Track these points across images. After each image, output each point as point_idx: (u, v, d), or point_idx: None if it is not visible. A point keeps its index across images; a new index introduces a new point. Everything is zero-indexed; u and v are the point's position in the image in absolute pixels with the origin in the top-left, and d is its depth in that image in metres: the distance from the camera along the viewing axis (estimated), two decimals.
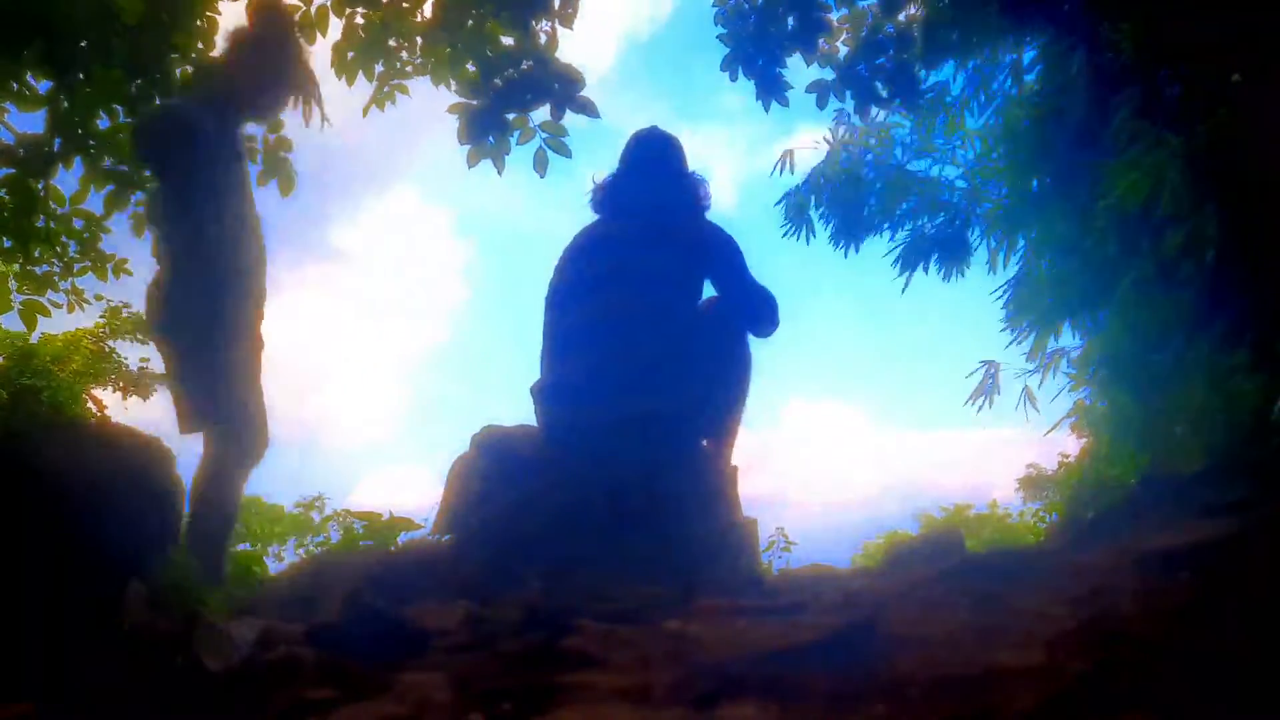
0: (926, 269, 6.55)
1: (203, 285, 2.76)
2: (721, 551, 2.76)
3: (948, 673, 0.92)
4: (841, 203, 6.80)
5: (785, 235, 6.97)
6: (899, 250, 6.62)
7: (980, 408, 5.81)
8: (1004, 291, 5.69)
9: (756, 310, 2.99)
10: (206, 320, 2.75)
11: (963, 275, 6.44)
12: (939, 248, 6.50)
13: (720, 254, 2.99)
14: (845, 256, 6.88)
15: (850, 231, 6.82)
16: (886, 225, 6.80)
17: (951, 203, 6.53)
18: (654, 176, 3.11)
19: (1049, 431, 5.67)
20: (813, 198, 6.87)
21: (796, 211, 6.92)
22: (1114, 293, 4.15)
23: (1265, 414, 3.06)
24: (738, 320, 2.99)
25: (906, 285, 6.52)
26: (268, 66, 2.98)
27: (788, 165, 6.97)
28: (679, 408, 2.80)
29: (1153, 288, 3.86)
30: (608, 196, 3.14)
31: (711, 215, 3.16)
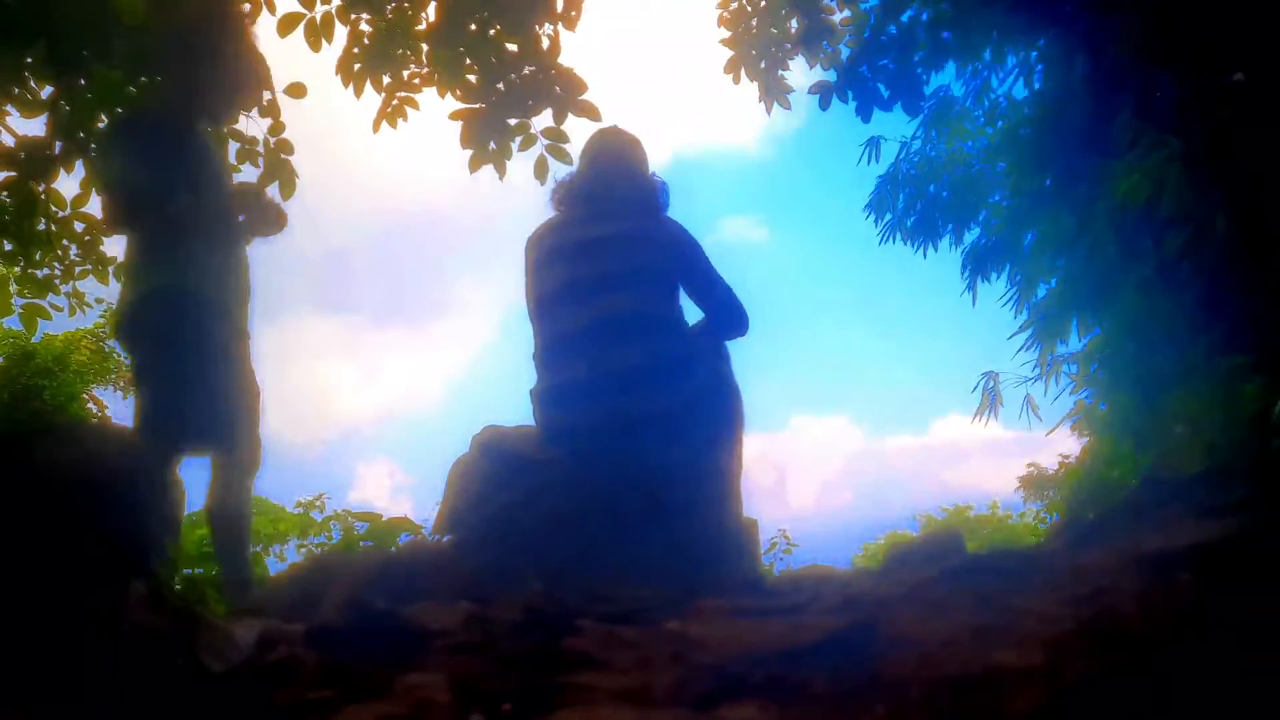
0: (989, 279, 6.09)
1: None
2: (722, 552, 2.76)
3: (948, 673, 0.92)
4: (913, 202, 6.54)
5: (882, 242, 6.59)
6: (964, 260, 6.21)
7: (987, 421, 5.78)
8: (1010, 296, 5.67)
9: (729, 317, 3.05)
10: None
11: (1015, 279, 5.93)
12: (1005, 255, 5.99)
13: (688, 256, 3.02)
14: (924, 257, 6.58)
15: (927, 234, 6.56)
16: (949, 229, 6.52)
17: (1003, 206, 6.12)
18: (617, 175, 3.11)
19: (1050, 432, 5.66)
20: (897, 198, 6.56)
21: (880, 211, 6.61)
22: (1115, 294, 4.15)
23: (1266, 415, 3.06)
24: (712, 327, 3.03)
25: (975, 300, 6.10)
26: (221, 64, 3.04)
27: (873, 155, 6.56)
28: (674, 407, 2.80)
29: (1154, 289, 3.86)
30: (571, 195, 3.16)
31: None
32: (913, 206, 6.58)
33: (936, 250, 6.61)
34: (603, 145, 3.21)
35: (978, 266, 6.19)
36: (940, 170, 6.49)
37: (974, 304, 6.13)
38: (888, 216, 6.69)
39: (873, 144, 6.61)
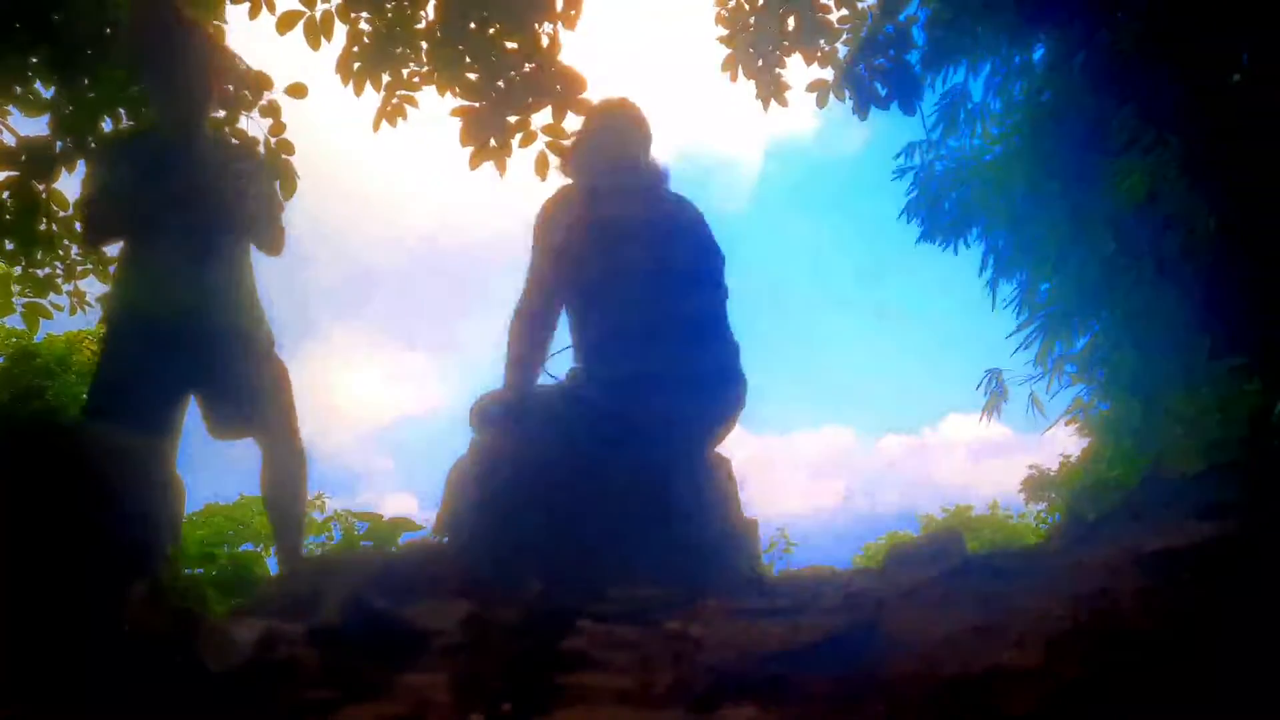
0: (1010, 279, 6.12)
1: None
2: (722, 553, 2.76)
3: (948, 673, 0.92)
4: (939, 202, 6.54)
5: (918, 241, 6.65)
6: (984, 258, 6.25)
7: (991, 420, 5.79)
8: (1014, 296, 5.67)
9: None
10: None
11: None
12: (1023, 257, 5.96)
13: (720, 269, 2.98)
14: (955, 253, 6.57)
15: (956, 231, 6.53)
16: (979, 229, 6.50)
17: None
18: (631, 142, 2.93)
19: (1048, 430, 5.67)
20: (927, 197, 6.57)
21: (915, 211, 6.60)
22: (1114, 294, 4.16)
23: (1266, 415, 3.06)
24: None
25: (995, 302, 6.11)
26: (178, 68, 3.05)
27: (910, 156, 6.58)
28: (731, 412, 2.80)
29: (1153, 289, 3.86)
30: (589, 158, 2.94)
31: None
32: (940, 206, 6.54)
33: (968, 246, 6.59)
34: (613, 113, 3.02)
35: (1000, 267, 6.14)
36: (968, 172, 6.47)
37: (994, 307, 6.09)
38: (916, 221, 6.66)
39: (909, 150, 6.58)
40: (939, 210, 6.56)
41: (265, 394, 3.05)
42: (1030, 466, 11.24)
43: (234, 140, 3.23)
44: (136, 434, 2.88)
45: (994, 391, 5.81)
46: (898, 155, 6.67)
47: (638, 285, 2.76)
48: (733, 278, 3.05)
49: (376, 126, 4.45)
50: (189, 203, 2.98)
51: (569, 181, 3.02)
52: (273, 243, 3.20)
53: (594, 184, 2.92)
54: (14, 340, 9.51)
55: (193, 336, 2.94)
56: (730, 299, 2.98)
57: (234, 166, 3.10)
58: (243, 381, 3.00)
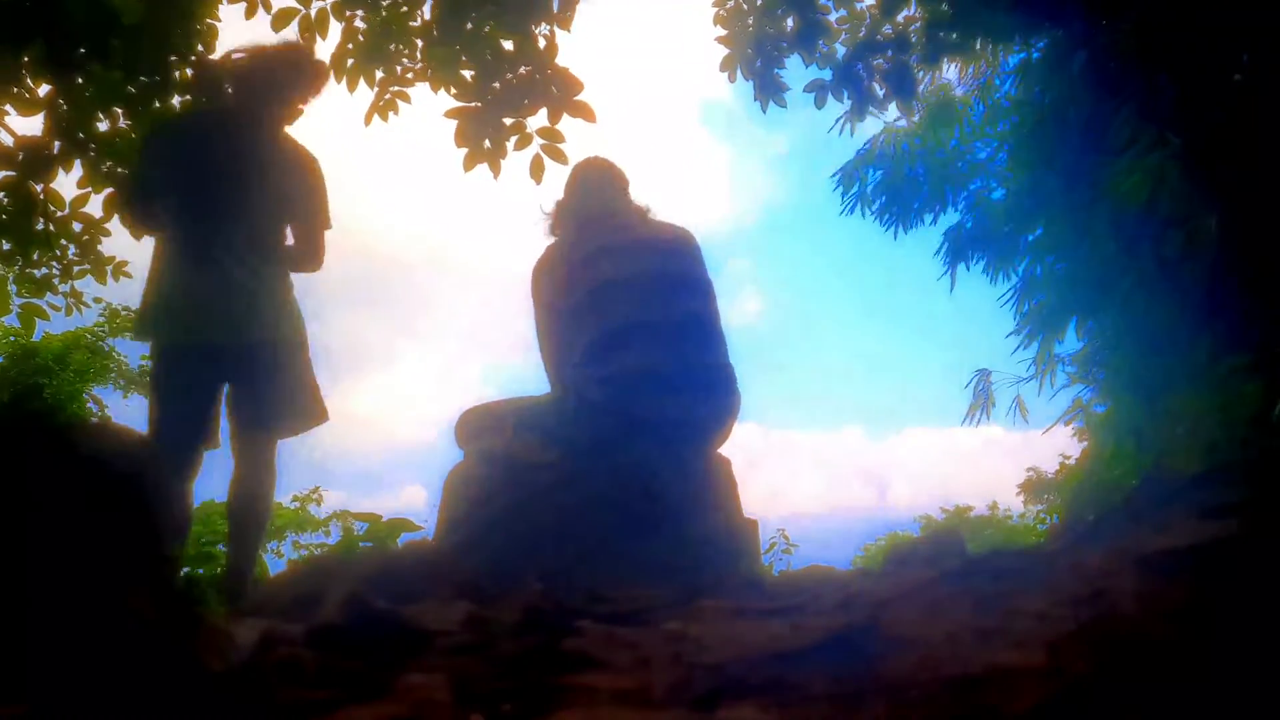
0: (969, 265, 6.27)
1: None
2: (722, 553, 2.76)
3: (948, 673, 0.92)
4: (891, 183, 6.56)
5: (841, 213, 6.65)
6: (944, 245, 6.36)
7: (978, 422, 5.81)
8: (1010, 295, 5.68)
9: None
10: None
11: (1009, 275, 6.10)
12: (984, 245, 6.16)
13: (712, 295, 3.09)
14: (895, 239, 6.63)
15: (899, 214, 6.61)
16: (930, 215, 6.59)
17: (990, 198, 6.26)
18: (605, 192, 3.19)
19: (1046, 431, 5.68)
20: (866, 173, 6.60)
21: (848, 184, 6.66)
22: (1114, 294, 4.16)
23: (1265, 415, 3.06)
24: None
25: (953, 285, 6.25)
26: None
27: (848, 128, 6.48)
28: (705, 411, 2.85)
29: (1153, 289, 3.86)
30: (569, 218, 3.20)
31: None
32: (885, 185, 6.61)
33: (907, 233, 6.66)
34: (590, 175, 3.25)
35: (958, 252, 6.22)
36: (917, 153, 6.52)
37: (952, 289, 6.20)
38: (854, 188, 6.71)
39: (849, 115, 6.53)
40: (880, 189, 6.59)
41: (284, 409, 3.03)
42: (1029, 469, 11.27)
43: (302, 147, 3.17)
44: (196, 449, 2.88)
45: (979, 392, 5.83)
46: (838, 119, 6.59)
47: (622, 293, 2.88)
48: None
49: (368, 121, 4.46)
50: (243, 179, 2.94)
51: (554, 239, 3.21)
52: (314, 257, 3.18)
53: (575, 230, 3.13)
54: (12, 340, 9.50)
55: (235, 346, 2.91)
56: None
57: (296, 163, 3.08)
58: (268, 390, 2.99)
